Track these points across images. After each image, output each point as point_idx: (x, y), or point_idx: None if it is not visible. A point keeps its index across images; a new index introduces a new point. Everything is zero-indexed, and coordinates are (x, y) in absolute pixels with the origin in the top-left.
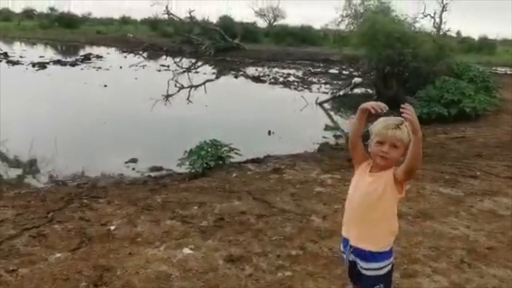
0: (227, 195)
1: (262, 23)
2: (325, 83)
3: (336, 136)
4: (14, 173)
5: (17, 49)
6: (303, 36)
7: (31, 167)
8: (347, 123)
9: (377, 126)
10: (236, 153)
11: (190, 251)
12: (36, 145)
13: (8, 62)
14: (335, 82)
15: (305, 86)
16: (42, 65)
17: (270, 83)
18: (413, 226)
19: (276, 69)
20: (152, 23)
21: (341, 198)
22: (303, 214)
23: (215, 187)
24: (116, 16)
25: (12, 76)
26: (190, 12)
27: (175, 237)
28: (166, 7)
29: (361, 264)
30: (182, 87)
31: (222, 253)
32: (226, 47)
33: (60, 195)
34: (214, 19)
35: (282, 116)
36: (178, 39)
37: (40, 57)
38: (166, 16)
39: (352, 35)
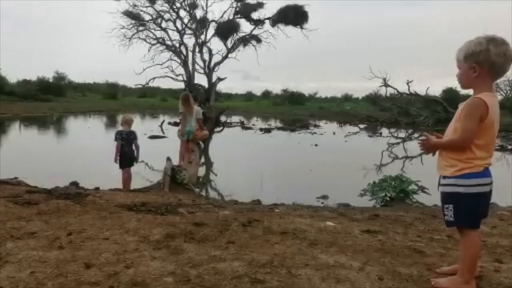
0: (395, 209)
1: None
2: None
3: None
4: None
5: (252, 120)
6: None
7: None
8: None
9: (500, 59)
10: (424, 191)
11: (332, 224)
12: (251, 177)
13: (243, 127)
14: None
15: None
16: (267, 130)
17: None
18: None
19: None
20: (372, 99)
21: None
22: None
23: (388, 209)
24: (339, 94)
25: (242, 136)
26: (408, 83)
27: (325, 216)
28: (384, 80)
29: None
30: (396, 157)
31: (362, 228)
32: (448, 118)
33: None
34: (437, 92)
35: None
36: (395, 111)
37: (268, 125)
38: (384, 90)
39: None
